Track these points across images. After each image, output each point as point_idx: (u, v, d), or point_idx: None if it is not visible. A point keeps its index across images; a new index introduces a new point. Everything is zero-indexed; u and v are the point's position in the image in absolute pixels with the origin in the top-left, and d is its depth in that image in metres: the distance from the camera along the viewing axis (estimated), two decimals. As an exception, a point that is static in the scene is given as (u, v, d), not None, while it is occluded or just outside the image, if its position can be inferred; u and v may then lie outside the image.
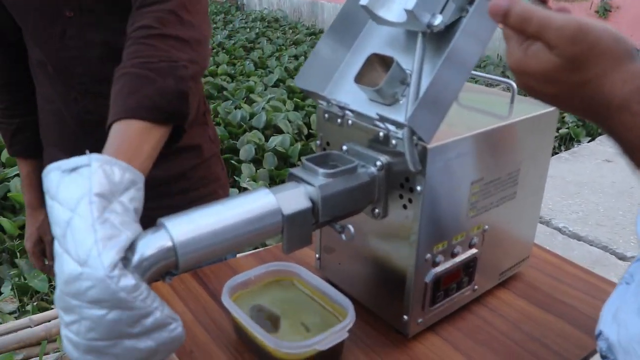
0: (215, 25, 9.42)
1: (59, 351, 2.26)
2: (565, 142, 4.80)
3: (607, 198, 3.51)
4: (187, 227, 0.60)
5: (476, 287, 0.89)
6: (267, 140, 4.25)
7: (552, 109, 0.88)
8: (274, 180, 3.58)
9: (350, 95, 0.79)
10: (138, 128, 0.75)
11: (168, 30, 0.82)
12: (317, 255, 0.96)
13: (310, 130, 4.64)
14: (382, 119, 0.71)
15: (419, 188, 0.72)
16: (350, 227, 0.75)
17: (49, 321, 2.33)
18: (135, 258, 0.56)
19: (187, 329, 0.84)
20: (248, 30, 9.12)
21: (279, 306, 0.82)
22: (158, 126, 0.77)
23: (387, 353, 0.81)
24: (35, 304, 2.58)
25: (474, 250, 0.85)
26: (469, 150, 0.76)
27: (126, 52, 0.82)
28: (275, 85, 5.98)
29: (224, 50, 7.40)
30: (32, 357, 2.23)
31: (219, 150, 1.26)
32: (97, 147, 0.71)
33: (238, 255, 1.21)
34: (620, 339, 0.52)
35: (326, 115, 0.83)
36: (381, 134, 0.74)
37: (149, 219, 0.63)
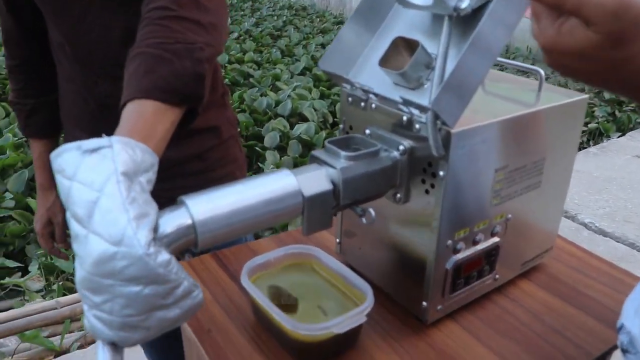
0: (242, 12, 9.43)
1: (82, 330, 2.31)
2: (594, 137, 4.73)
3: (636, 194, 3.45)
4: (207, 205, 0.60)
5: (497, 276, 0.88)
6: (292, 128, 4.26)
7: (580, 97, 0.86)
8: (298, 168, 3.59)
9: (374, 79, 0.79)
10: (152, 109, 0.74)
11: (184, 12, 0.82)
12: (337, 240, 0.96)
13: (335, 119, 4.64)
14: (406, 102, 0.70)
15: (441, 173, 0.71)
16: (371, 210, 0.74)
17: (74, 303, 2.38)
18: (156, 235, 0.56)
19: (205, 308, 0.85)
20: (275, 18, 9.13)
21: (298, 289, 0.83)
22: (172, 107, 0.76)
23: (405, 339, 0.81)
24: (60, 283, 2.63)
25: (496, 239, 0.84)
26: (494, 136, 0.75)
27: (141, 33, 0.81)
28: (302, 73, 5.98)
29: (251, 38, 7.42)
30: (57, 335, 2.28)
31: (237, 131, 1.26)
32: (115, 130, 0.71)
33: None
34: None
35: (350, 99, 0.82)
36: (405, 118, 0.73)
37: (162, 199, 0.63)
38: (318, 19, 9.28)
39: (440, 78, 0.68)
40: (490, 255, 0.84)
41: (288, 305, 0.79)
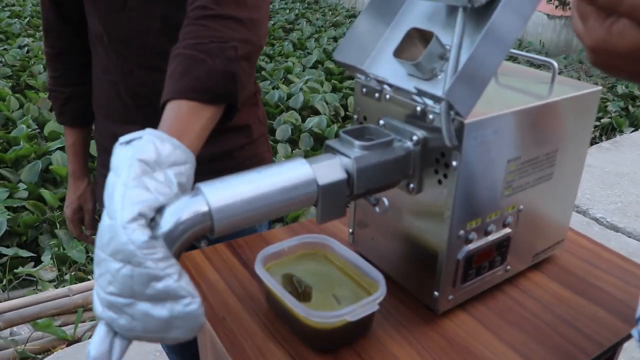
0: (255, 5, 9.41)
1: (95, 320, 2.33)
2: (607, 132, 4.70)
3: (649, 190, 3.43)
4: (224, 193, 0.61)
5: (509, 267, 0.89)
6: (303, 121, 4.27)
7: (593, 89, 0.86)
8: (309, 161, 3.59)
9: (388, 70, 0.79)
10: (188, 108, 0.77)
11: (222, 10, 0.83)
12: (350, 230, 0.96)
13: (347, 112, 4.64)
14: (420, 92, 0.71)
15: (454, 163, 0.72)
16: (385, 199, 0.75)
17: (87, 291, 2.40)
18: (172, 221, 0.57)
19: (219, 296, 0.87)
20: (287, 11, 9.11)
21: (311, 278, 0.83)
22: (207, 106, 0.78)
23: (417, 328, 0.82)
24: (73, 273, 2.66)
25: (507, 230, 0.84)
26: (507, 127, 0.76)
27: (182, 32, 0.84)
28: (314, 66, 5.98)
29: (263, 31, 7.41)
30: (70, 324, 2.30)
31: (266, 131, 1.27)
32: (146, 121, 0.73)
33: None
34: None
35: (364, 90, 0.83)
36: (418, 108, 0.74)
37: None
38: (330, 12, 9.27)
39: (454, 69, 0.68)
40: (502, 246, 0.85)
41: (304, 292, 0.80)
